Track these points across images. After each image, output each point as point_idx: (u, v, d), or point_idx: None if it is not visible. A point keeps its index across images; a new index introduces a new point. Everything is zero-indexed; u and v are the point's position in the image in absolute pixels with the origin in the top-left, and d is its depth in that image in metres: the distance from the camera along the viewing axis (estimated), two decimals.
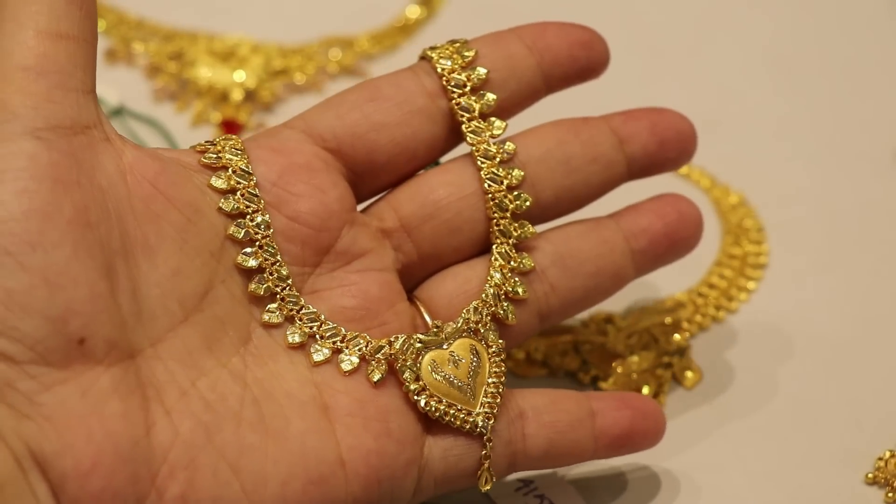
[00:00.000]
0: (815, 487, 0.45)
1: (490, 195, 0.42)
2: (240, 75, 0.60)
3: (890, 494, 0.44)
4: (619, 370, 0.48)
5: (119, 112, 0.57)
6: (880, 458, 0.45)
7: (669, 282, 0.52)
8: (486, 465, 0.40)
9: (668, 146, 0.44)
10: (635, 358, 0.48)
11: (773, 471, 0.45)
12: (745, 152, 0.58)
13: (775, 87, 0.61)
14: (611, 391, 0.46)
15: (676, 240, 0.44)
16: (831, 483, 0.45)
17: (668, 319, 0.50)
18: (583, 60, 0.43)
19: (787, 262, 0.53)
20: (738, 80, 0.61)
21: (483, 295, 0.41)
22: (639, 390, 0.47)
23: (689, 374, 0.48)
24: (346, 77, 0.61)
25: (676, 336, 0.49)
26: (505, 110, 0.43)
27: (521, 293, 0.42)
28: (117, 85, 0.59)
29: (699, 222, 0.44)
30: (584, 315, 0.50)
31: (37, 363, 0.34)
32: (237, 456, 0.36)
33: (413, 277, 0.42)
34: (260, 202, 0.39)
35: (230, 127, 0.57)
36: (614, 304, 0.51)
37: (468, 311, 0.41)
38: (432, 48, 0.43)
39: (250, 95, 0.59)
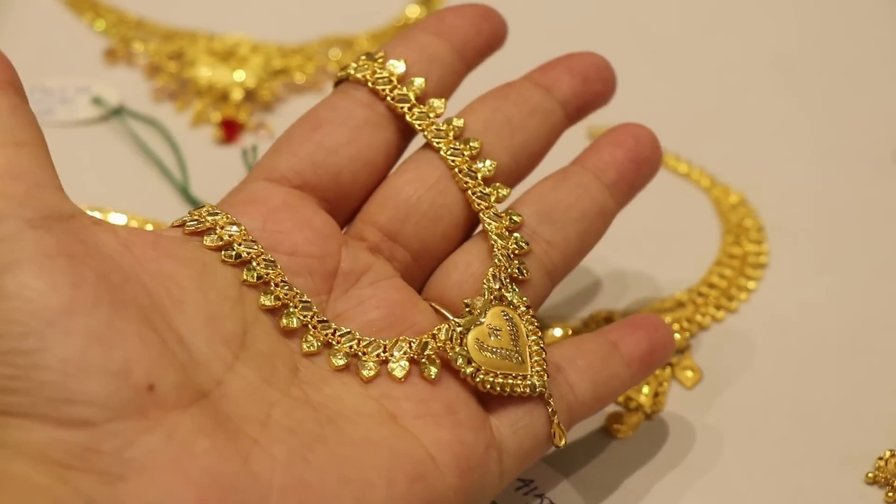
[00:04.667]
0: (815, 487, 0.45)
1: (457, 168, 0.43)
2: (240, 75, 0.60)
3: (890, 494, 0.44)
4: None
5: (119, 112, 0.57)
6: (880, 458, 0.45)
7: (669, 282, 0.52)
8: (556, 421, 0.40)
9: (591, 82, 0.45)
10: None
11: (773, 471, 0.45)
12: (745, 152, 0.58)
13: (775, 87, 0.61)
14: (617, 321, 0.46)
15: (641, 162, 0.44)
16: (831, 483, 0.45)
17: (667, 319, 0.50)
18: (488, 32, 0.45)
19: (787, 262, 0.53)
20: (738, 80, 0.62)
21: (495, 259, 0.42)
22: (639, 389, 0.47)
23: (689, 374, 0.48)
24: None
25: (676, 336, 0.49)
26: (441, 96, 0.44)
27: (524, 247, 0.42)
28: (117, 85, 0.59)
29: (654, 141, 0.45)
30: (584, 315, 0.50)
31: (115, 420, 0.33)
32: (339, 468, 0.36)
33: (416, 280, 0.43)
34: (258, 245, 0.40)
35: (230, 127, 0.57)
36: (614, 303, 0.51)
37: (488, 279, 0.41)
38: (343, 67, 0.44)
39: (250, 95, 0.59)
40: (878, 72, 0.62)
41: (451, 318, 0.41)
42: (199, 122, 0.58)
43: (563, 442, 0.40)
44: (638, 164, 0.44)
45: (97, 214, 0.52)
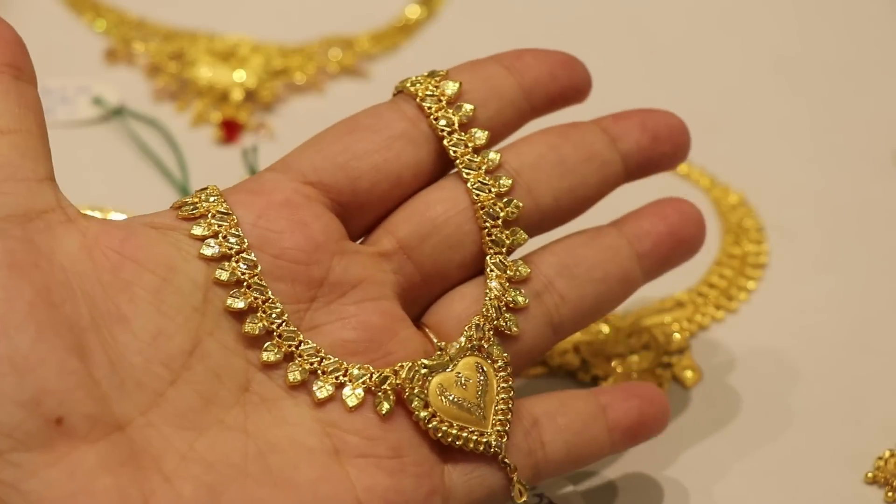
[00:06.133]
0: (815, 487, 0.45)
1: (479, 204, 0.41)
2: (240, 75, 0.60)
3: (890, 494, 0.44)
4: (619, 370, 0.48)
5: (119, 112, 0.57)
6: (880, 458, 0.45)
7: (669, 282, 0.52)
8: (516, 478, 0.38)
9: (661, 141, 0.43)
10: (635, 358, 0.48)
11: (773, 471, 0.45)
12: (745, 152, 0.58)
13: (775, 88, 0.61)
14: (614, 384, 0.46)
15: (680, 239, 0.43)
16: (831, 483, 0.45)
17: (667, 319, 0.50)
18: (564, 79, 0.43)
19: (787, 262, 0.53)
20: (738, 80, 0.62)
21: (483, 309, 0.40)
22: None
23: (689, 374, 0.48)
24: (347, 77, 0.61)
25: (676, 336, 0.49)
26: (494, 132, 0.42)
27: (521, 302, 0.41)
28: (117, 85, 0.59)
29: (701, 222, 0.44)
30: None
31: (18, 450, 0.33)
32: None
33: (418, 300, 0.41)
34: (243, 242, 0.38)
35: (230, 127, 0.57)
36: None
37: (470, 327, 0.40)
38: (404, 80, 0.43)
39: (251, 95, 0.59)
40: (878, 72, 0.62)
41: (422, 359, 0.39)
42: (200, 123, 0.58)
43: (523, 499, 0.39)
44: (676, 241, 0.43)
45: (97, 214, 0.52)
